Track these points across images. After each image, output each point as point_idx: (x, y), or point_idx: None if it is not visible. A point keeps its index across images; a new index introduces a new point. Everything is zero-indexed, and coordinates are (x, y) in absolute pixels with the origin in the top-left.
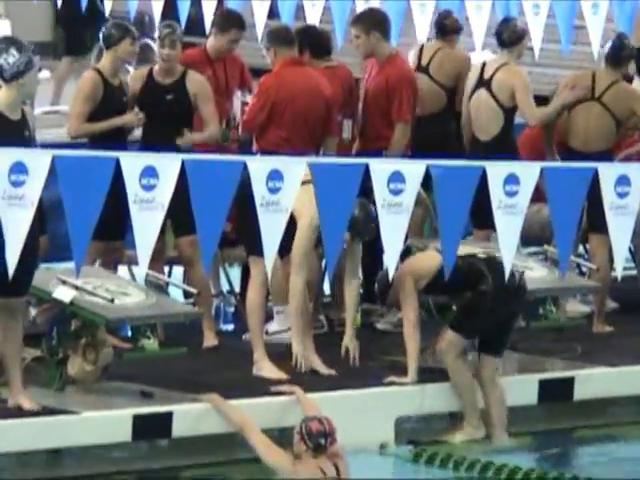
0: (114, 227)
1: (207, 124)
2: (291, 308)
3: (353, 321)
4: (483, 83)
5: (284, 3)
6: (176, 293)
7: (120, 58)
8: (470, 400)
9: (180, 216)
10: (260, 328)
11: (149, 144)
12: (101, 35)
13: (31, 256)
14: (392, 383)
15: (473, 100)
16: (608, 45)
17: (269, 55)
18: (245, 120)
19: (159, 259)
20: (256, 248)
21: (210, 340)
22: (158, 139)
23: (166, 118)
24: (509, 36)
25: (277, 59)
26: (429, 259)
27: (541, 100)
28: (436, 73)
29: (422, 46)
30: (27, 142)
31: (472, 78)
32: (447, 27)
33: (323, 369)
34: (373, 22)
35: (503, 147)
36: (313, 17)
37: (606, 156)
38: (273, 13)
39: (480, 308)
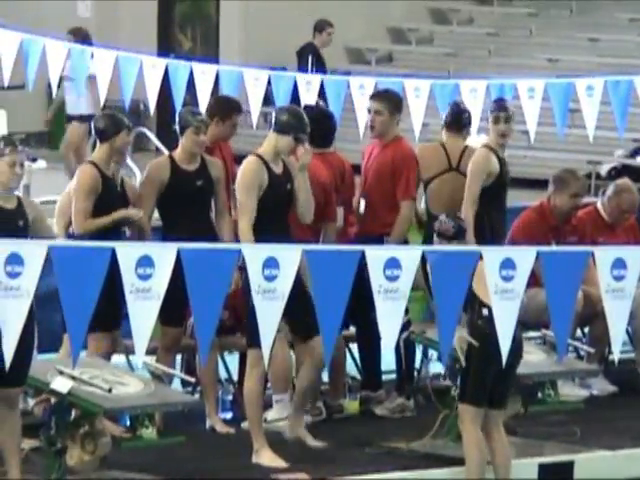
0: (111, 317)
1: (222, 214)
2: None
3: None
4: (452, 167)
5: (279, 89)
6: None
7: (116, 150)
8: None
9: None
10: (259, 417)
11: (186, 233)
12: (94, 128)
13: (28, 346)
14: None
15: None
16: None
17: None
18: None
19: (173, 349)
20: (253, 337)
21: (220, 425)
22: (192, 226)
23: (196, 204)
24: (448, 119)
25: None
26: None
27: (538, 184)
28: None
29: None
30: (22, 231)
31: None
32: None
33: (311, 440)
34: (396, 104)
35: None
36: (308, 102)
37: None
38: (268, 99)
39: (470, 367)
